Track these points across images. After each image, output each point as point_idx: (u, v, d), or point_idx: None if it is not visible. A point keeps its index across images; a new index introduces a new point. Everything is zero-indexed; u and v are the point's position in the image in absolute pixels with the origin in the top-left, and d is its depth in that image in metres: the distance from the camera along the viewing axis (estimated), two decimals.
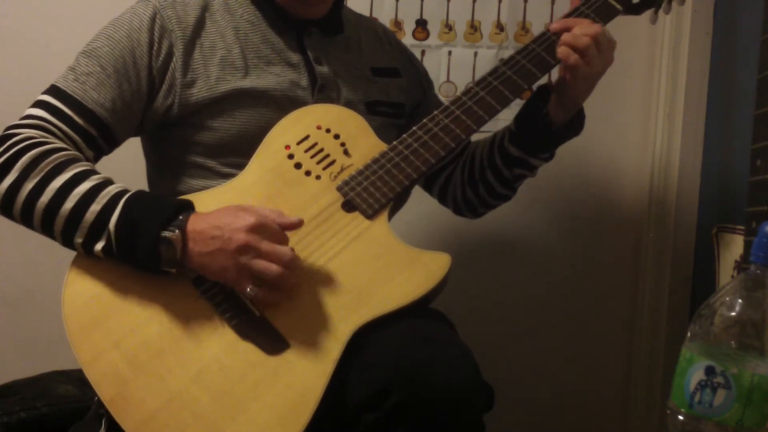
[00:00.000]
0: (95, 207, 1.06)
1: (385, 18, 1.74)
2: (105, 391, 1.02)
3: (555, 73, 1.25)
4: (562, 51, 1.19)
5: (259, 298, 1.05)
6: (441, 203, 1.50)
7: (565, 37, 1.19)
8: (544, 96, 1.26)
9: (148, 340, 1.05)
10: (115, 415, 1.00)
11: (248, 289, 1.04)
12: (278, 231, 1.06)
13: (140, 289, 1.07)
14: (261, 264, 1.03)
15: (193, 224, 1.05)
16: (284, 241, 1.06)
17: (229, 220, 1.04)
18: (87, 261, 1.09)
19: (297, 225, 1.08)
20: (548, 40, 1.23)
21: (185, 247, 1.05)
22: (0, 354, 1.75)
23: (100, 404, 1.04)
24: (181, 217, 1.06)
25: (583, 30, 1.19)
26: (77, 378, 1.33)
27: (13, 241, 1.64)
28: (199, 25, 1.23)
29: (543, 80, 1.28)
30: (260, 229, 1.04)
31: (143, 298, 1.07)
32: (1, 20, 1.72)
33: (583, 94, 1.24)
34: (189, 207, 1.08)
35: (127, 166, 1.27)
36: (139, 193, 1.09)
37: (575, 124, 1.28)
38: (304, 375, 1.02)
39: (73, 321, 1.06)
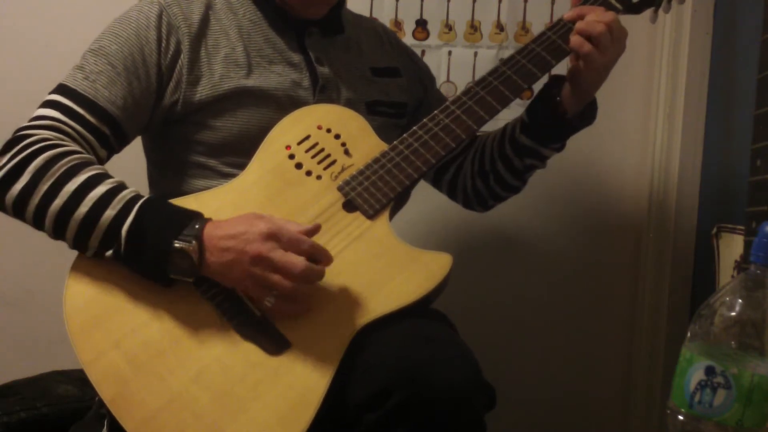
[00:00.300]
0: (110, 212, 1.05)
1: (385, 18, 1.74)
2: (106, 390, 1.02)
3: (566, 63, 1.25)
4: (575, 40, 1.18)
5: (276, 310, 1.05)
6: (450, 197, 1.50)
7: (579, 24, 1.19)
8: (558, 85, 1.26)
9: (149, 340, 1.05)
10: (116, 414, 1.00)
11: (266, 301, 1.04)
12: (293, 238, 1.04)
13: (141, 289, 1.07)
14: (274, 278, 1.02)
15: (209, 233, 1.04)
16: (301, 248, 1.04)
17: (244, 229, 1.04)
18: (88, 261, 1.09)
19: (314, 231, 1.07)
20: (563, 28, 1.23)
21: (202, 257, 1.04)
22: (0, 354, 1.75)
23: (101, 404, 1.04)
24: (197, 227, 1.05)
25: (597, 17, 1.18)
26: (77, 378, 1.33)
27: (13, 241, 1.64)
28: (204, 23, 1.23)
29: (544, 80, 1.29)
30: (274, 237, 1.03)
31: (144, 298, 1.07)
32: (1, 20, 1.72)
33: (596, 84, 1.23)
34: (202, 217, 1.07)
35: (128, 166, 1.27)
36: (153, 200, 1.09)
37: (588, 114, 1.28)
38: (306, 375, 1.02)
39: (74, 321, 1.06)
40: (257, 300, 1.05)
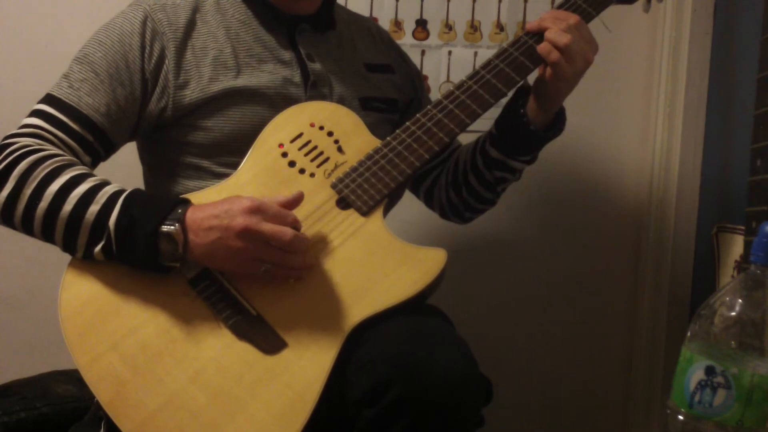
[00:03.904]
0: (94, 207, 1.06)
1: (385, 18, 1.74)
2: (103, 393, 1.02)
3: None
4: (543, 48, 1.18)
5: (273, 274, 1.06)
6: (428, 206, 1.50)
7: (546, 35, 1.18)
8: (523, 97, 1.26)
9: (146, 341, 1.05)
10: (113, 417, 1.00)
11: (260, 272, 1.05)
12: (277, 211, 1.05)
13: (137, 290, 1.07)
14: (265, 249, 1.03)
15: (192, 216, 1.05)
16: (285, 219, 1.05)
17: (226, 207, 1.05)
18: (83, 263, 1.09)
19: (297, 200, 1.08)
20: (526, 43, 1.22)
21: (186, 241, 1.05)
22: (0, 354, 1.75)
23: (99, 406, 1.04)
24: (179, 211, 1.06)
25: (556, 34, 1.17)
26: (77, 378, 1.32)
27: (13, 241, 1.63)
28: (190, 26, 1.24)
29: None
30: (259, 211, 1.04)
31: (140, 299, 1.07)
32: (1, 20, 1.72)
33: (563, 94, 1.22)
34: (187, 202, 1.08)
35: (123, 169, 1.27)
36: (137, 192, 1.09)
37: (555, 125, 1.27)
38: (302, 373, 1.02)
39: (71, 324, 1.06)
40: (252, 272, 1.06)
